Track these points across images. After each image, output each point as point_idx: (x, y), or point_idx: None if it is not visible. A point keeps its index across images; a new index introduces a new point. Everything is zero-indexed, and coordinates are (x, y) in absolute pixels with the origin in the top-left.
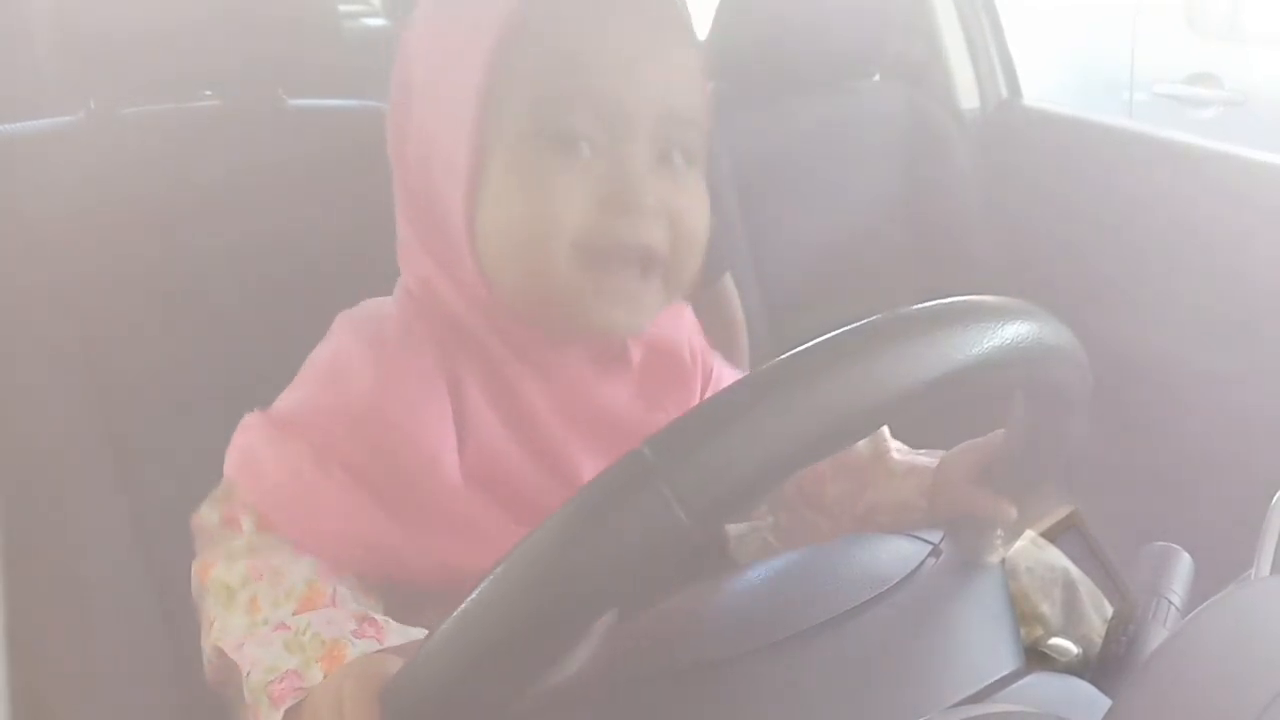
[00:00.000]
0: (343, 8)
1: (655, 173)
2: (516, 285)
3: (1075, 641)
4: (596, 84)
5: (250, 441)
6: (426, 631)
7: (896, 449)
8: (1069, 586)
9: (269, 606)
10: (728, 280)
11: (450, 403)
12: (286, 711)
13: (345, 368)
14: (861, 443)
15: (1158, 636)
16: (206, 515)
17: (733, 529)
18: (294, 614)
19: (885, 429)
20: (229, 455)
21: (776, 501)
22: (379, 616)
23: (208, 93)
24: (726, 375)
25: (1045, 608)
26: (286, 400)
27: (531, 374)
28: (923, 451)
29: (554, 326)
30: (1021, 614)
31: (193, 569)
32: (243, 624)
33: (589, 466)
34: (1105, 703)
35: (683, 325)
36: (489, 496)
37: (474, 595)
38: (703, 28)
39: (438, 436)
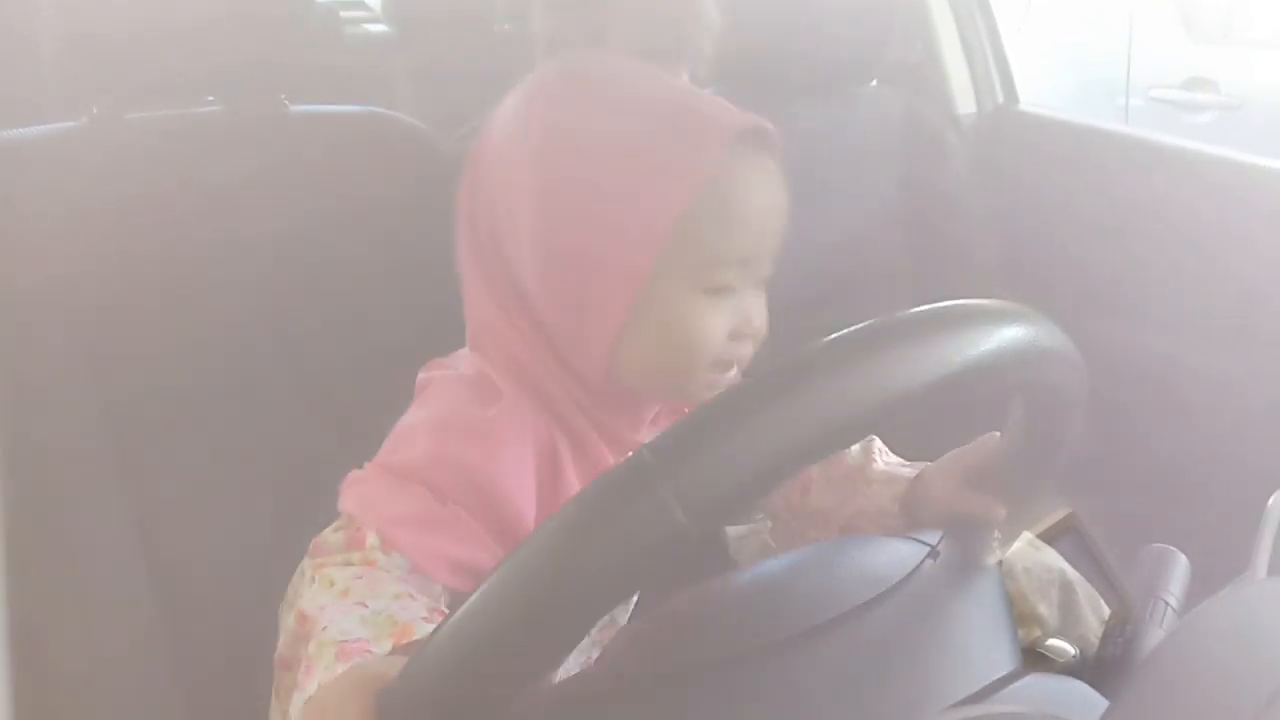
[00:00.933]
0: (344, 13)
1: (758, 299)
2: (644, 384)
3: (1072, 642)
4: (750, 248)
5: (368, 487)
6: None
7: (882, 455)
8: (1066, 588)
9: (356, 595)
10: None
11: (537, 473)
12: (300, 705)
13: (455, 432)
14: (851, 454)
15: (1154, 638)
16: (329, 537)
17: (733, 531)
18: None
19: (876, 441)
20: (345, 496)
21: (764, 510)
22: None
23: (210, 98)
24: None
25: (1043, 609)
26: (399, 456)
27: (610, 448)
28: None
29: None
30: (1019, 615)
31: (303, 568)
32: (329, 598)
33: None
34: (1102, 703)
35: None
36: None
37: (474, 597)
38: None
39: (524, 506)
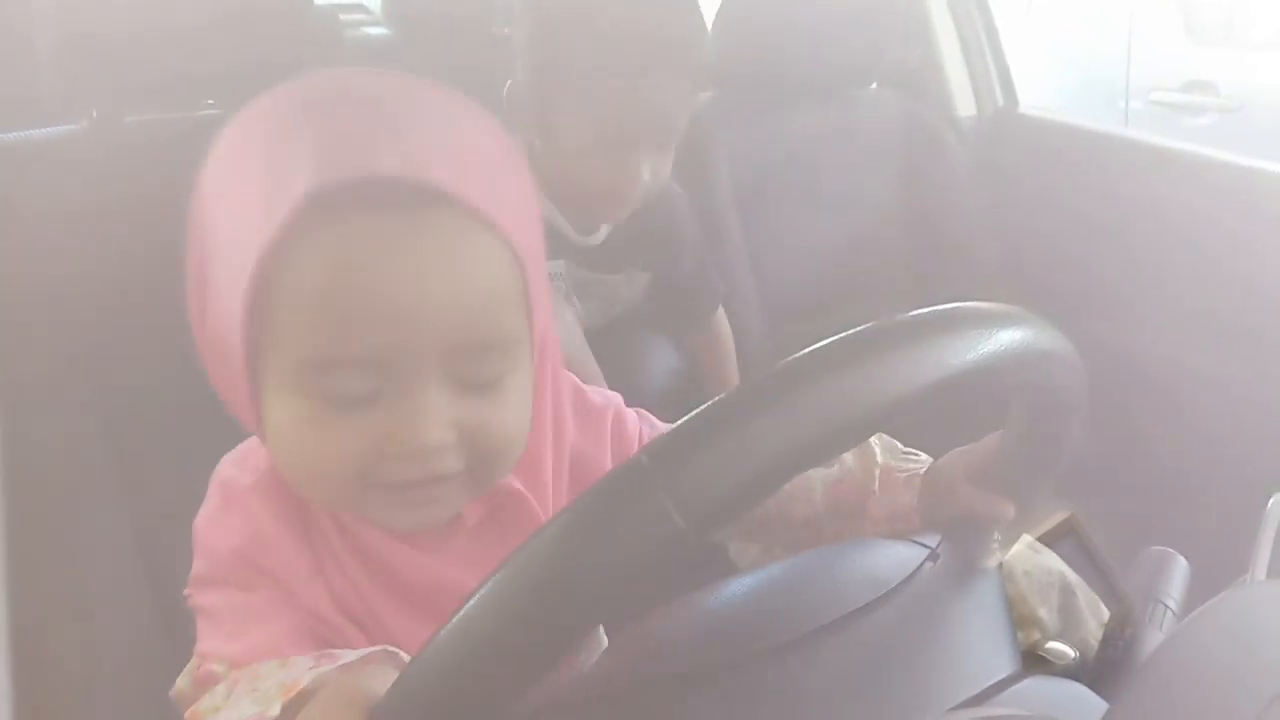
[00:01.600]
0: (344, 16)
1: (456, 400)
2: (314, 497)
3: (1072, 645)
4: (366, 340)
5: (195, 610)
6: (385, 648)
7: (880, 481)
8: (1066, 590)
9: (243, 690)
10: (719, 317)
11: (311, 553)
12: None
13: (221, 529)
14: (855, 483)
15: (1154, 640)
16: (180, 687)
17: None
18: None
19: (878, 454)
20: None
21: (771, 537)
22: (338, 651)
23: (210, 101)
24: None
25: (1042, 612)
26: (195, 565)
27: (351, 549)
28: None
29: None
30: (1019, 617)
31: None
32: (230, 706)
33: (406, 634)
34: (1102, 706)
35: (543, 454)
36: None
37: (469, 605)
38: None
39: (309, 585)
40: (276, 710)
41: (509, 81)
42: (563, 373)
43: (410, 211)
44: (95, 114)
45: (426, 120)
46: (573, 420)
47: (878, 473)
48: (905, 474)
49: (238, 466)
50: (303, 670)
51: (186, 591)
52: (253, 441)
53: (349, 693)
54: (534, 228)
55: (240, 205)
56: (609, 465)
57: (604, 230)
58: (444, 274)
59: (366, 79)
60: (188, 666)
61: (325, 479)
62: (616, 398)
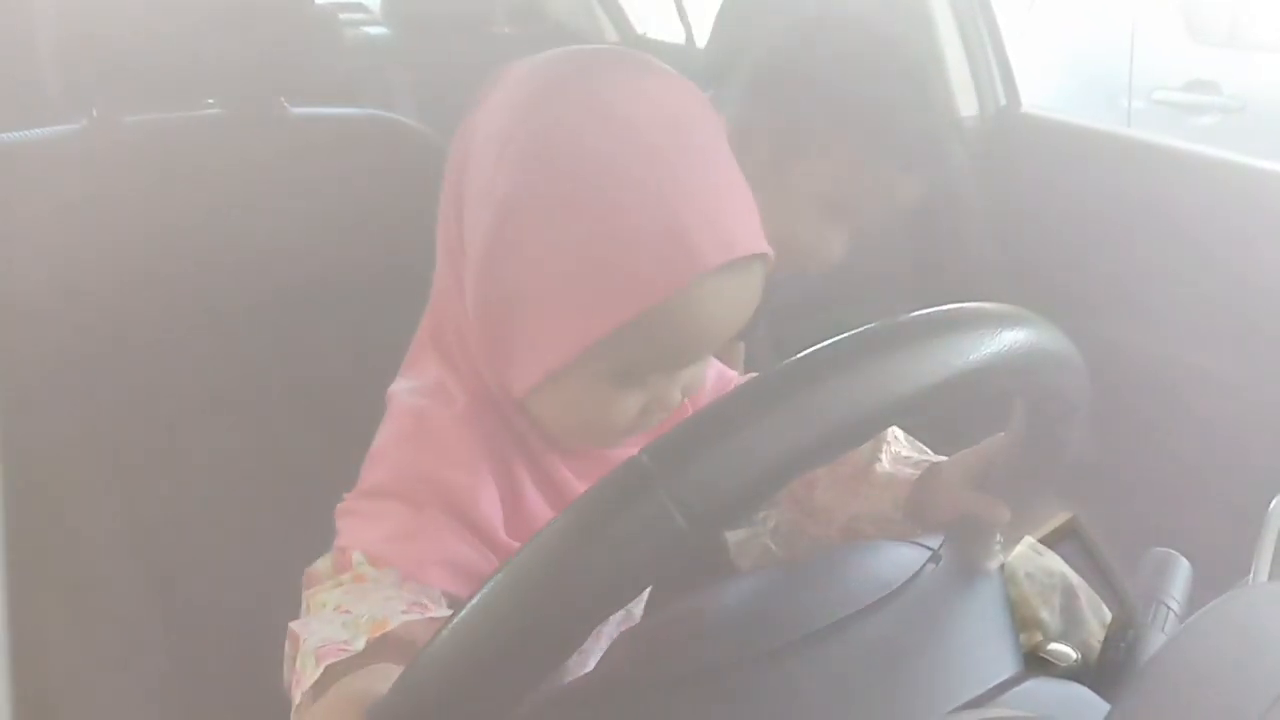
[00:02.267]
0: (343, 15)
1: (682, 380)
2: (560, 435)
3: (1074, 647)
4: (683, 362)
5: (350, 517)
6: None
7: (890, 456)
8: (1068, 592)
9: (350, 605)
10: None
11: (496, 484)
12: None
13: (409, 443)
14: (860, 450)
15: (1156, 642)
16: (319, 565)
17: (733, 535)
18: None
19: (892, 435)
20: (338, 529)
21: (773, 504)
22: (431, 602)
23: (210, 101)
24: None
25: (1044, 613)
26: (370, 478)
27: (564, 461)
28: (913, 462)
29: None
30: (1021, 619)
31: (304, 598)
32: (322, 619)
33: None
34: (1104, 708)
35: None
36: None
37: (470, 604)
38: (702, 33)
39: (490, 509)
40: (361, 645)
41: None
42: None
43: (745, 269)
44: (95, 113)
45: (735, 179)
46: None
47: (886, 446)
48: (908, 462)
49: (429, 397)
50: (395, 613)
51: (347, 496)
52: (429, 379)
53: (354, 693)
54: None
55: (600, 257)
56: None
57: None
58: (745, 308)
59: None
60: (327, 554)
61: (601, 432)
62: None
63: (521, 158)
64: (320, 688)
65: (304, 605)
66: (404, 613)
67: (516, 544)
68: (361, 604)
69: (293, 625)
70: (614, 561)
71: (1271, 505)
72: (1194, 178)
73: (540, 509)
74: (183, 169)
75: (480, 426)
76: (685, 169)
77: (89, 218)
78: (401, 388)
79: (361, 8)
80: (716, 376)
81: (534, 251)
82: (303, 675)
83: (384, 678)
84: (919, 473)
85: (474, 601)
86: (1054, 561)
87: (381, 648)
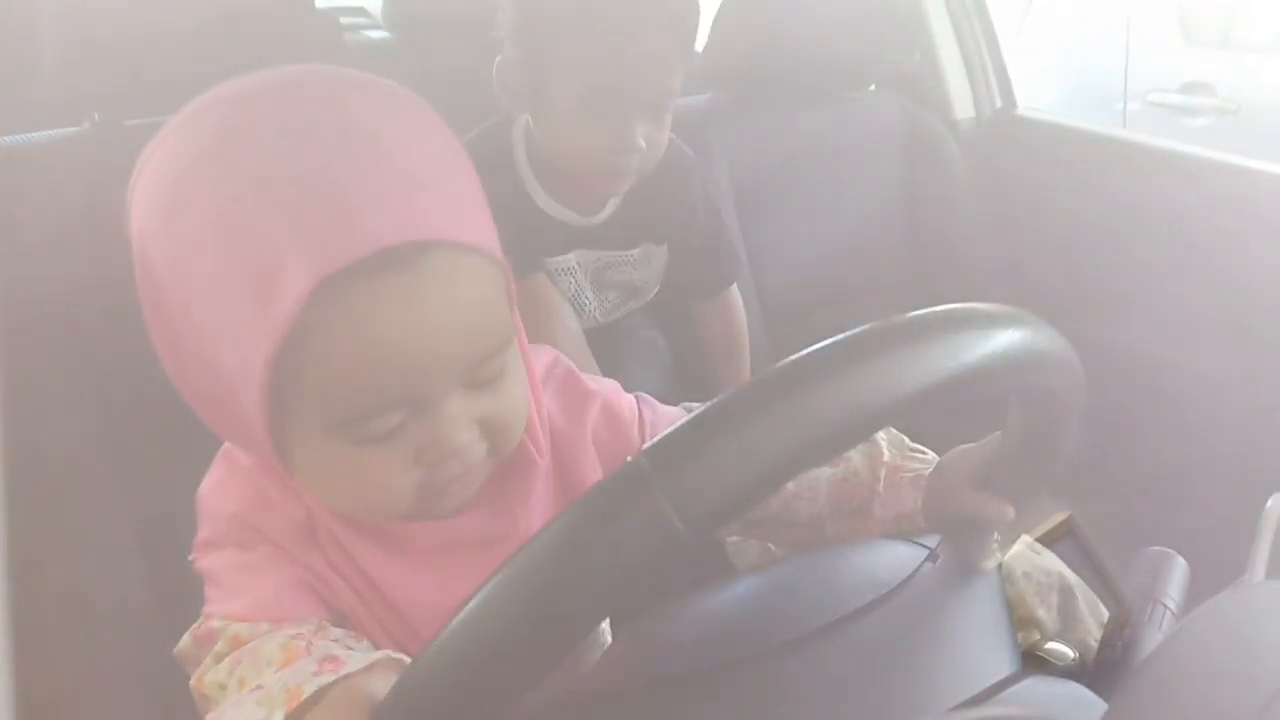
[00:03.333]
0: (344, 20)
1: (467, 404)
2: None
3: (1071, 646)
4: (395, 387)
5: (200, 572)
6: (388, 654)
7: (885, 481)
8: (1065, 591)
9: (254, 677)
10: (733, 291)
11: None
12: None
13: (226, 498)
14: (861, 483)
15: (1153, 641)
16: (184, 646)
17: (731, 536)
18: (275, 674)
19: (885, 452)
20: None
21: (774, 535)
22: (341, 652)
23: None
24: (661, 421)
25: (1042, 613)
26: (199, 536)
27: (369, 545)
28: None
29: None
30: (1018, 619)
31: (192, 691)
32: (226, 703)
33: (404, 595)
34: (1101, 706)
35: (534, 428)
36: None
37: (468, 607)
38: (700, 38)
39: (304, 543)
40: (280, 718)
41: (498, 58)
42: (556, 353)
43: (411, 265)
44: (96, 117)
45: (401, 164)
46: (551, 392)
47: (883, 472)
48: (911, 474)
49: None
50: (307, 676)
51: (191, 557)
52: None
53: (354, 695)
54: (489, 218)
55: (226, 275)
56: (587, 444)
57: (610, 205)
58: (449, 308)
59: (326, 119)
60: (192, 626)
61: (372, 508)
62: (611, 384)
63: (143, 191)
64: None
65: (197, 698)
66: (315, 674)
67: (343, 582)
68: (262, 673)
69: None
70: (611, 563)
71: (1268, 504)
72: (1189, 179)
73: (351, 540)
74: None
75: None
76: (302, 171)
77: (90, 220)
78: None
79: (362, 12)
80: (631, 401)
81: (174, 301)
82: None
83: (385, 682)
84: (919, 493)
85: (471, 604)
86: (1051, 561)
87: (301, 714)
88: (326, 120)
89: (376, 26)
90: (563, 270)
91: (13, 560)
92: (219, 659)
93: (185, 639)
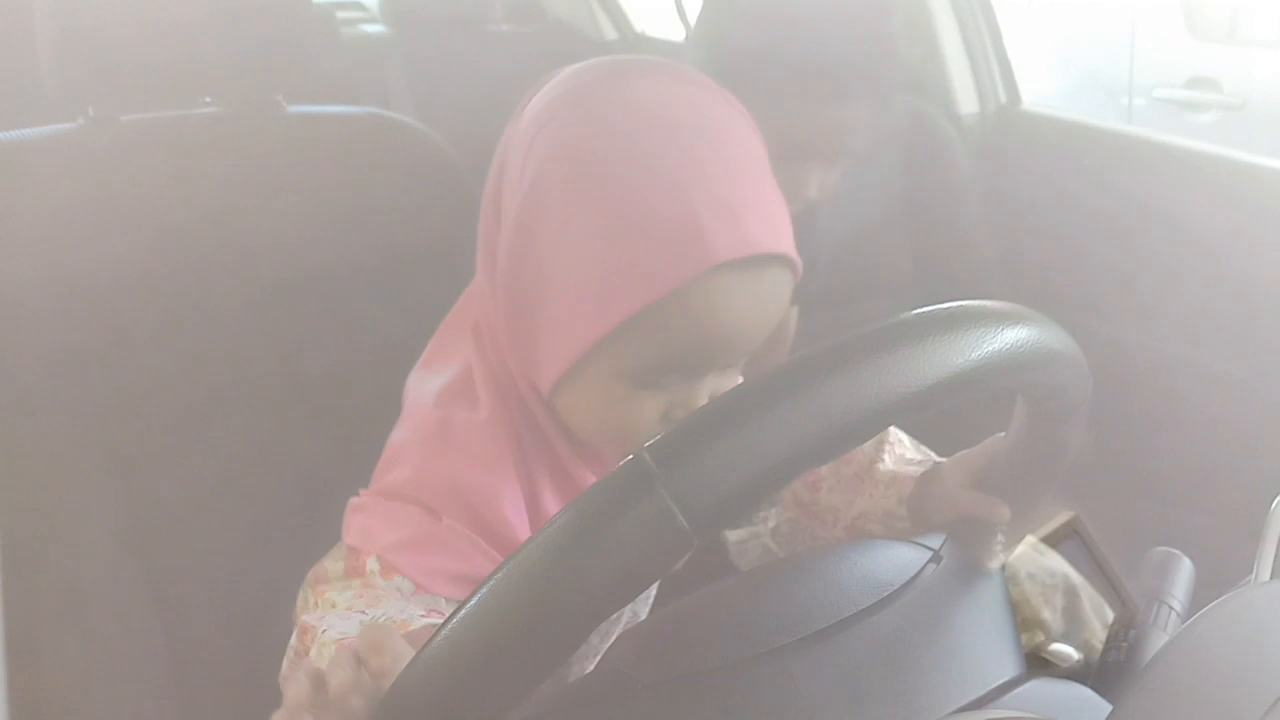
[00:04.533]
0: (341, 14)
1: (721, 378)
2: (584, 435)
3: (1076, 647)
4: (697, 363)
5: (365, 515)
6: None
7: (892, 456)
8: (1070, 592)
9: (356, 607)
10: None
11: (521, 488)
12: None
13: (436, 445)
14: (863, 450)
15: (1158, 642)
16: (330, 566)
17: (733, 535)
18: (388, 606)
19: (894, 437)
20: (347, 527)
21: (773, 502)
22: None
23: (207, 99)
24: None
25: (1046, 614)
26: (390, 479)
27: (590, 467)
28: (916, 461)
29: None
30: (1023, 620)
31: (305, 597)
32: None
33: None
34: (1106, 708)
35: None
36: None
37: (473, 601)
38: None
39: (513, 514)
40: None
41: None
42: None
43: (763, 271)
44: (92, 112)
45: (761, 171)
46: None
47: (887, 448)
48: (916, 465)
49: (453, 399)
50: (415, 616)
51: (363, 492)
52: (455, 375)
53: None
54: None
55: (629, 239)
56: None
57: None
58: (772, 310)
59: (706, 114)
60: (336, 551)
61: (620, 436)
62: None
63: (548, 145)
64: None
65: (305, 599)
66: (423, 616)
67: None
68: (376, 607)
69: (306, 618)
70: (616, 560)
71: (1274, 504)
72: (1195, 175)
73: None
74: (180, 167)
75: (505, 429)
76: (709, 163)
77: (86, 216)
78: (423, 382)
79: (359, 6)
80: None
81: (554, 237)
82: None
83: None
84: (922, 470)
85: (474, 601)
86: (1055, 561)
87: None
88: (708, 119)
89: (373, 20)
90: None
91: (7, 559)
92: (349, 589)
93: (335, 564)
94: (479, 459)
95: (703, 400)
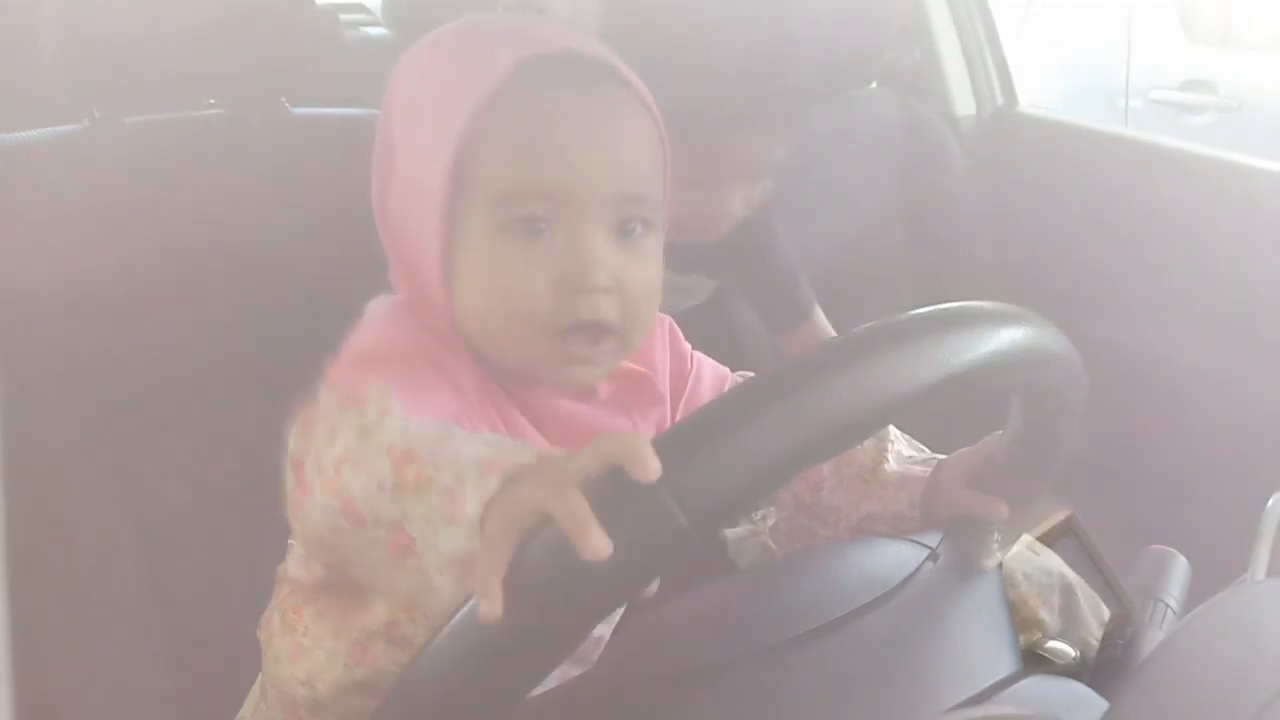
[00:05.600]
0: (344, 16)
1: (612, 247)
2: (487, 344)
3: (1073, 645)
4: (553, 175)
5: (345, 369)
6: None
7: (895, 456)
8: (1066, 591)
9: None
10: (817, 314)
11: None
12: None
13: (405, 327)
14: (864, 450)
15: (1154, 639)
16: (321, 401)
17: (731, 533)
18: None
19: (893, 435)
20: (326, 382)
21: (774, 504)
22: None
23: (211, 101)
24: (706, 368)
25: (1044, 614)
26: (365, 339)
27: (508, 396)
28: (919, 460)
29: (519, 371)
30: (1020, 621)
31: (305, 434)
32: (413, 433)
33: None
34: (1102, 705)
35: (654, 347)
36: None
37: (471, 601)
38: None
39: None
40: (530, 456)
41: None
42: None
43: (592, 83)
44: (97, 114)
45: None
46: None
47: (889, 447)
48: (920, 466)
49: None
50: (487, 447)
51: (330, 365)
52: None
53: (562, 468)
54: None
55: (442, 83)
56: (677, 395)
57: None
58: (612, 131)
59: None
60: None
61: (508, 316)
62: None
63: (400, 61)
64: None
65: (315, 436)
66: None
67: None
68: (450, 435)
69: (393, 443)
70: (616, 559)
71: (1269, 503)
72: (1191, 177)
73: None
74: (184, 169)
75: (429, 347)
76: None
77: (90, 218)
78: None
79: (362, 9)
80: (712, 373)
81: (390, 126)
82: (460, 490)
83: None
84: (930, 470)
85: (475, 600)
86: (1052, 560)
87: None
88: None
89: (376, 23)
90: None
91: (10, 559)
92: (362, 416)
93: (325, 398)
94: (448, 343)
95: (588, 255)
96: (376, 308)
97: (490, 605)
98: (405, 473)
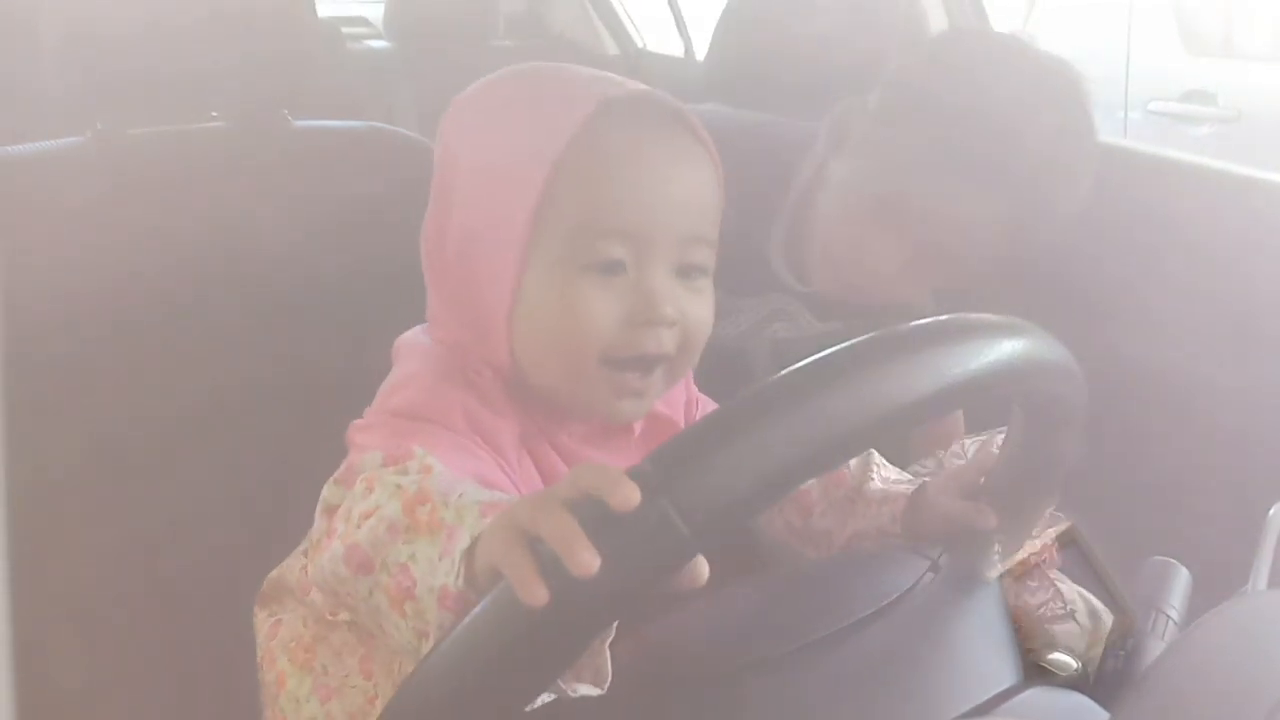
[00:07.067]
0: (346, 29)
1: (675, 284)
2: (543, 377)
3: (1074, 656)
4: (634, 215)
5: (376, 430)
6: None
7: (880, 477)
8: (1093, 614)
9: (445, 479)
10: None
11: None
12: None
13: (450, 383)
14: (851, 472)
15: (1155, 650)
16: (365, 458)
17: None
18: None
19: (877, 460)
20: (359, 439)
21: (765, 536)
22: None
23: (213, 113)
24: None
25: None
26: (403, 397)
27: (541, 440)
28: (904, 481)
29: (568, 407)
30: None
31: (332, 497)
32: (429, 481)
33: None
34: (1104, 716)
35: (680, 389)
36: None
37: (474, 613)
38: (702, 44)
39: (514, 456)
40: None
41: (841, 106)
42: None
43: (665, 126)
44: (99, 126)
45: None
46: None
47: (875, 470)
48: (904, 484)
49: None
50: (501, 498)
51: (368, 412)
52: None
53: (547, 493)
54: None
55: (522, 122)
56: None
57: None
58: (684, 175)
59: None
60: (351, 459)
61: (580, 340)
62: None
63: (454, 109)
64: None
65: (355, 491)
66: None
67: None
68: (462, 483)
69: (405, 487)
70: (617, 569)
71: (1270, 513)
72: (1190, 188)
73: (506, 484)
74: (186, 181)
75: (461, 388)
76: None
77: (92, 230)
78: (412, 339)
79: (364, 21)
80: (697, 401)
81: (461, 160)
82: (457, 526)
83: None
84: (913, 487)
85: (478, 610)
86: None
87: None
88: None
89: (378, 36)
90: None
91: (12, 565)
92: (405, 474)
93: (371, 457)
94: (488, 400)
95: (657, 292)
96: (413, 349)
97: (534, 592)
98: (418, 515)
